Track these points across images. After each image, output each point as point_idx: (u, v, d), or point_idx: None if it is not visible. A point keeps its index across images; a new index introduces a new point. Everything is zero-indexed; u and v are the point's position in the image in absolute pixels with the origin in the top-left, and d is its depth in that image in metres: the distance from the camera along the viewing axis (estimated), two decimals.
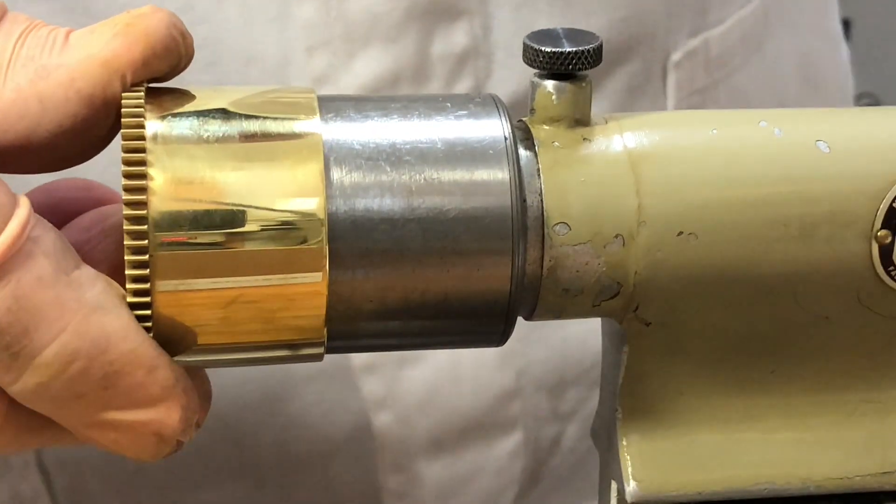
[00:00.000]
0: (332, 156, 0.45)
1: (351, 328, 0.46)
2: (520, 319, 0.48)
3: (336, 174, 0.45)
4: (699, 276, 0.47)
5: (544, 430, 0.71)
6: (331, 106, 0.46)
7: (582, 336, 0.71)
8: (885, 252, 0.48)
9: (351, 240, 0.45)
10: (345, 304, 0.45)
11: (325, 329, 0.46)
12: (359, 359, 0.66)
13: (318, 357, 0.47)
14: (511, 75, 0.66)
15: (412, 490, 0.69)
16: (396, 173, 0.45)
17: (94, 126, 0.46)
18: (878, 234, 0.48)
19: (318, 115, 0.46)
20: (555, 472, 0.73)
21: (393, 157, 0.45)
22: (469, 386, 0.68)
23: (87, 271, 0.44)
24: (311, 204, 0.44)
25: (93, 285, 0.44)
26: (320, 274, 0.44)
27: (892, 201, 0.47)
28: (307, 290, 0.45)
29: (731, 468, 0.49)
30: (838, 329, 0.49)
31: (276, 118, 0.45)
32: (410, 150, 0.45)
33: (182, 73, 0.58)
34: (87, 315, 0.43)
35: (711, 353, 0.49)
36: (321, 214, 0.44)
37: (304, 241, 0.44)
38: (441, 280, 0.45)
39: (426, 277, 0.45)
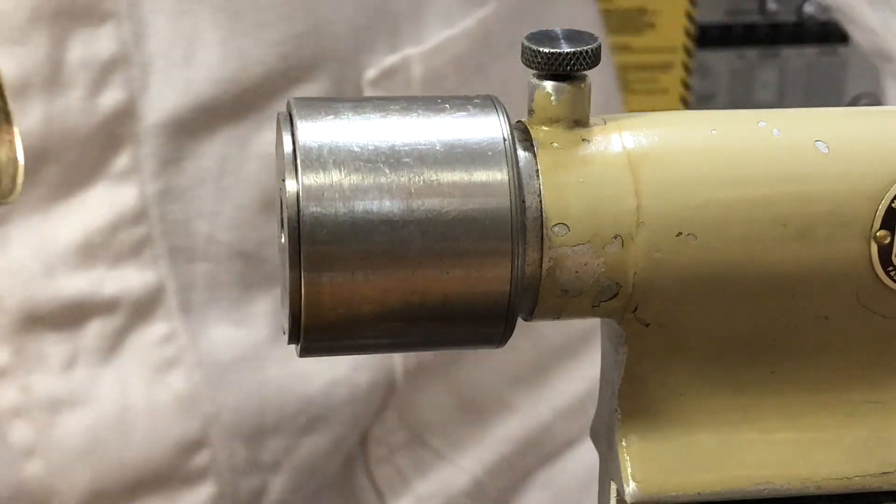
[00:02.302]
0: (332, 158, 0.45)
1: (350, 330, 0.46)
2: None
3: (335, 176, 0.45)
4: (698, 276, 0.47)
5: (243, 482, 0.68)
6: (329, 108, 0.46)
7: (283, 380, 0.67)
8: (884, 252, 0.48)
9: (350, 241, 0.45)
10: (344, 307, 0.45)
11: None
12: (4, 402, 0.63)
13: None
14: (174, 87, 0.62)
15: None
16: (395, 175, 0.45)
17: None
18: (877, 234, 0.48)
19: None
20: None
21: (392, 158, 0.45)
22: (140, 435, 0.65)
23: None
24: None
25: None
26: None
27: (892, 201, 0.47)
28: None
29: (731, 468, 0.49)
30: (838, 329, 0.49)
31: None
32: (409, 152, 0.45)
33: None
34: None
35: (711, 354, 0.49)
36: None
37: None
38: (440, 282, 0.45)
39: (425, 279, 0.45)
